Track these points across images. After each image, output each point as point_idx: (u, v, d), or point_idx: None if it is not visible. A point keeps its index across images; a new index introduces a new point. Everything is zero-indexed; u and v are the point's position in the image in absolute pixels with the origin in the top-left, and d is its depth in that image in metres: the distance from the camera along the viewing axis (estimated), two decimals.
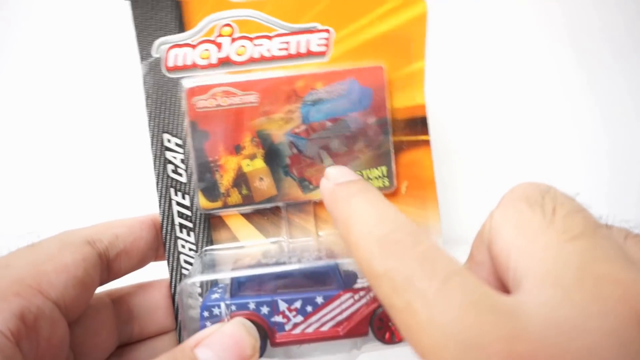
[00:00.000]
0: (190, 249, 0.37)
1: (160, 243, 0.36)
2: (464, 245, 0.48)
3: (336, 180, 0.30)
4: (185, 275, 0.37)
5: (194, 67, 0.36)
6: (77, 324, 0.31)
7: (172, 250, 0.37)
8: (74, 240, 0.31)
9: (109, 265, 0.33)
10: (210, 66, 0.36)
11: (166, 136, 0.36)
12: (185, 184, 0.37)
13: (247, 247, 0.37)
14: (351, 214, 0.26)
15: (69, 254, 0.30)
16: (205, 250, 0.37)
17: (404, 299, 0.20)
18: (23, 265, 0.28)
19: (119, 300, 0.35)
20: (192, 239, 0.37)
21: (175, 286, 0.37)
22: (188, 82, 0.35)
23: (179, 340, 0.37)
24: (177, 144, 0.36)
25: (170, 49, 0.35)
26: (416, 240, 0.23)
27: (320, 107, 0.36)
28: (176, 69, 0.36)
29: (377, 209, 0.26)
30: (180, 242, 0.37)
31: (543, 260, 0.20)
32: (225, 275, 0.34)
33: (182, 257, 0.37)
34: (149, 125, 0.36)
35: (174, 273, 0.37)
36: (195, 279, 0.34)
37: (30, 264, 0.28)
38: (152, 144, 0.36)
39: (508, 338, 0.18)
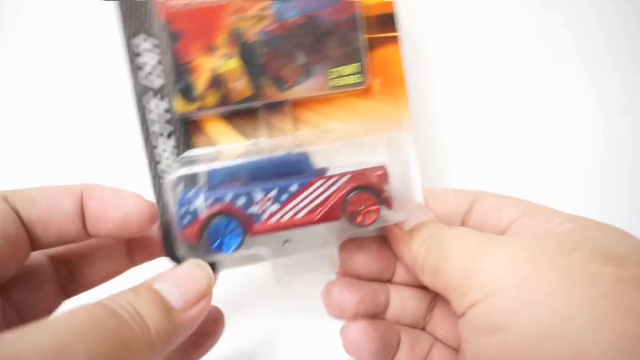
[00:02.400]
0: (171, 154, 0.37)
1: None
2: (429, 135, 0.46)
3: None
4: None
5: None
6: (14, 285, 0.31)
7: (151, 157, 0.36)
8: None
9: (27, 229, 0.30)
10: None
11: (142, 36, 0.35)
12: (163, 86, 0.36)
13: (226, 150, 0.37)
14: None
15: None
16: (183, 157, 0.37)
17: None
18: None
19: (58, 257, 0.34)
20: (172, 143, 0.37)
21: (158, 194, 0.36)
22: None
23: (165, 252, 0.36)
24: (154, 45, 0.35)
25: None
26: None
27: (293, 3, 0.35)
28: None
29: None
30: (159, 148, 0.37)
31: None
32: (201, 169, 0.34)
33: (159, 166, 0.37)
34: (123, 27, 0.35)
35: (155, 180, 0.37)
36: (175, 174, 0.34)
37: None
38: (126, 47, 0.35)
39: None
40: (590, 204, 0.52)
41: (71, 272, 0.35)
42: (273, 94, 0.36)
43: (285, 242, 0.37)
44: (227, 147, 0.37)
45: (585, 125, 0.53)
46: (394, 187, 0.35)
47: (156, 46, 0.35)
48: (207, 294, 0.29)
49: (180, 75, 0.35)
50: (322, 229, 0.37)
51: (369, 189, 0.34)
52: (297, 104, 0.37)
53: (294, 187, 0.33)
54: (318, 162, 0.35)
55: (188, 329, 0.28)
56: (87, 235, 0.33)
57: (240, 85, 0.36)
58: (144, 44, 0.35)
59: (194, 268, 0.30)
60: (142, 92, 0.35)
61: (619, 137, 0.53)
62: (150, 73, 0.36)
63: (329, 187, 0.33)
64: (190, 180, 0.34)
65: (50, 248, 0.33)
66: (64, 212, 0.31)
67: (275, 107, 0.37)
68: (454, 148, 0.50)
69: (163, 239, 0.36)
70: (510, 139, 0.51)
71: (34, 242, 0.31)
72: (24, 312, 0.32)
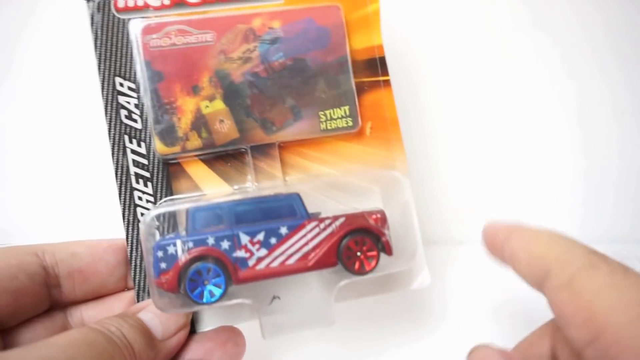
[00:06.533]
0: (148, 201, 0.32)
1: (128, 271, 0.32)
2: (429, 183, 0.42)
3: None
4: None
5: (145, 7, 0.32)
6: None
7: (127, 203, 0.32)
8: (19, 250, 0.29)
9: (59, 282, 0.30)
10: (164, 7, 0.32)
11: (118, 80, 0.32)
12: (140, 130, 0.32)
13: (210, 195, 0.32)
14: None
15: (3, 261, 0.28)
16: (165, 201, 0.32)
17: None
18: None
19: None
20: (149, 189, 0.32)
21: (132, 244, 0.32)
22: (137, 21, 0.31)
23: (137, 299, 0.32)
24: (130, 88, 0.32)
25: None
26: None
27: (279, 46, 0.33)
28: (127, 9, 0.32)
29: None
30: (136, 193, 0.32)
31: None
32: (179, 207, 0.29)
33: (138, 210, 0.32)
34: (99, 69, 0.32)
35: (130, 228, 0.32)
36: (154, 212, 0.29)
37: None
38: (102, 89, 0.32)
39: None
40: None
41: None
42: (260, 136, 0.33)
43: (275, 298, 0.32)
44: (211, 192, 0.32)
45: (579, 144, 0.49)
46: (392, 232, 0.31)
47: (132, 89, 0.32)
48: (185, 325, 0.29)
49: (162, 115, 0.31)
50: (315, 283, 0.32)
51: (366, 232, 0.29)
52: (285, 147, 0.34)
53: (283, 230, 0.28)
54: (309, 208, 0.31)
55: (167, 357, 0.29)
56: (126, 286, 0.33)
57: (224, 127, 0.32)
58: (121, 87, 0.32)
59: None
60: (122, 133, 0.32)
61: (604, 140, 0.48)
62: (128, 116, 0.32)
63: (322, 230, 0.29)
64: (170, 227, 0.30)
65: (88, 300, 0.32)
66: (105, 264, 0.31)
67: (262, 151, 0.33)
68: (452, 192, 0.46)
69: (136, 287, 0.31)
70: (511, 179, 0.47)
71: (67, 293, 0.31)
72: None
